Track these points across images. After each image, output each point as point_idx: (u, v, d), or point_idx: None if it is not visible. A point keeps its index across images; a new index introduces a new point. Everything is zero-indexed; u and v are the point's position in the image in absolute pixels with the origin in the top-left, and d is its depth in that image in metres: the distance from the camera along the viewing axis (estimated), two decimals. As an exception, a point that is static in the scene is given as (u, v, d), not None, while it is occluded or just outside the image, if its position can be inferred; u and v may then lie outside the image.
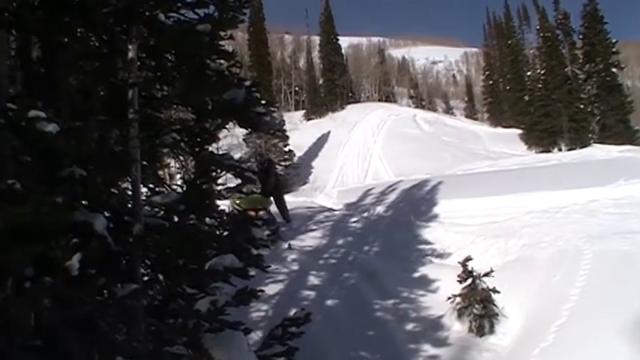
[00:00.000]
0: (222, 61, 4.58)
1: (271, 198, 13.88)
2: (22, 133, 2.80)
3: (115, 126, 3.93)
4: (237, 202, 11.86)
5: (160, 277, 4.12)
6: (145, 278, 3.87)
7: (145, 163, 4.23)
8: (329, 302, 8.83)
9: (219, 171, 4.62)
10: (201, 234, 4.23)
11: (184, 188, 4.32)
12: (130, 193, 3.84)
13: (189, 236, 4.05)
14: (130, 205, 3.76)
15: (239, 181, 5.16)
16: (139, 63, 3.93)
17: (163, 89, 4.67)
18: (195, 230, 4.15)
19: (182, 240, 4.00)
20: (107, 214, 3.49)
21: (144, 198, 3.96)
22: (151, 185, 4.55)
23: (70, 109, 3.62)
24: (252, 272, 4.60)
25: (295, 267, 10.09)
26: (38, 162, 3.00)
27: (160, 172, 4.89)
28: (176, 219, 4.14)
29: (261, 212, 11.93)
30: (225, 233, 4.59)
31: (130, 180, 3.75)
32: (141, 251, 3.61)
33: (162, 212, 4.02)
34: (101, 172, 3.62)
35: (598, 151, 23.24)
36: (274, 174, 14.76)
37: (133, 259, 3.58)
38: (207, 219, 4.42)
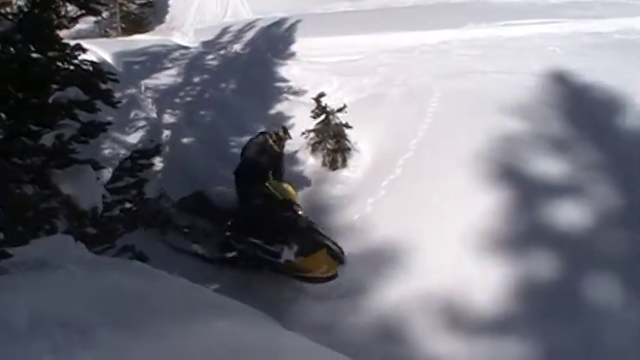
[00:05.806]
0: None
1: None
2: None
3: None
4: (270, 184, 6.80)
5: (2, 114, 3.88)
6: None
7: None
8: (185, 140, 8.71)
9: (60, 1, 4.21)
10: (42, 66, 3.95)
11: (20, 17, 3.90)
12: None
13: (28, 68, 3.81)
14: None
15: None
16: None
17: None
18: (35, 62, 3.85)
19: (21, 73, 3.76)
20: None
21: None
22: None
23: None
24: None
25: (151, 106, 9.69)
26: None
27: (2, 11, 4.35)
28: (13, 50, 3.83)
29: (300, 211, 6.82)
30: (72, 68, 4.27)
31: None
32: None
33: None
34: None
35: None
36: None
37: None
38: (50, 52, 4.06)
